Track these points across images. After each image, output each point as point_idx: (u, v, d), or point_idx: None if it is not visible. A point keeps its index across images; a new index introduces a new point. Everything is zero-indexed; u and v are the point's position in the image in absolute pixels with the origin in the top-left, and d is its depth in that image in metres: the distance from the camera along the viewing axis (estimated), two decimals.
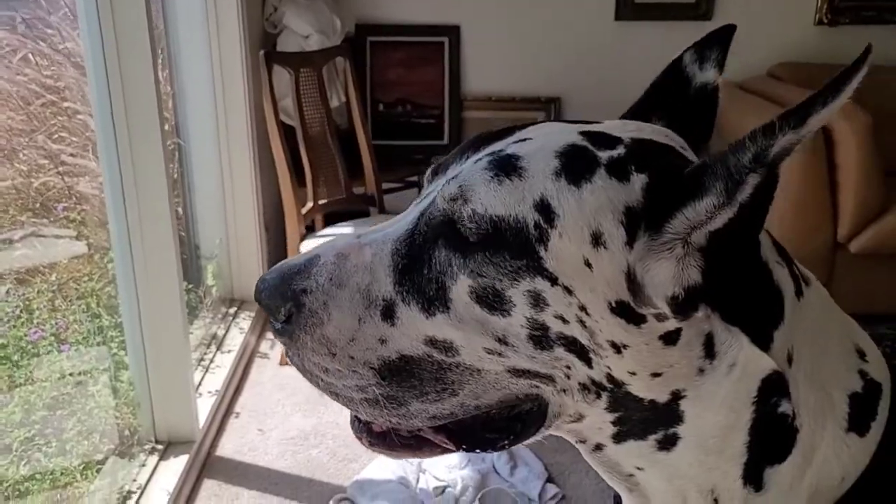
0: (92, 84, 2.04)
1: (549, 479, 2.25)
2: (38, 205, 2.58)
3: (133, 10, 1.97)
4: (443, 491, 2.19)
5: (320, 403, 2.64)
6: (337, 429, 2.52)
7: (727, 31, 0.76)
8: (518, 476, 2.25)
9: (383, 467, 2.28)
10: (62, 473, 2.01)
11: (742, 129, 0.57)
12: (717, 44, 0.76)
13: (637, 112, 0.78)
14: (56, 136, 2.70)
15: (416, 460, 2.30)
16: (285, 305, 0.66)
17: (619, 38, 3.72)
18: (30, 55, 2.74)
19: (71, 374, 2.25)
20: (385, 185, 3.22)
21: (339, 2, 3.56)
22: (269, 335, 3.14)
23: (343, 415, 2.57)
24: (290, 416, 2.61)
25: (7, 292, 2.27)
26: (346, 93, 3.21)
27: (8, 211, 2.51)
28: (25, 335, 2.15)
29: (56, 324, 2.28)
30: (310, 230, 2.94)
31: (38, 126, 2.68)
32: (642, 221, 0.61)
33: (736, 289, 0.62)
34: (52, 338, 2.22)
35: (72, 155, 2.67)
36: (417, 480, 2.25)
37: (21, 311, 2.24)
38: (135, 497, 2.09)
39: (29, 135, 2.66)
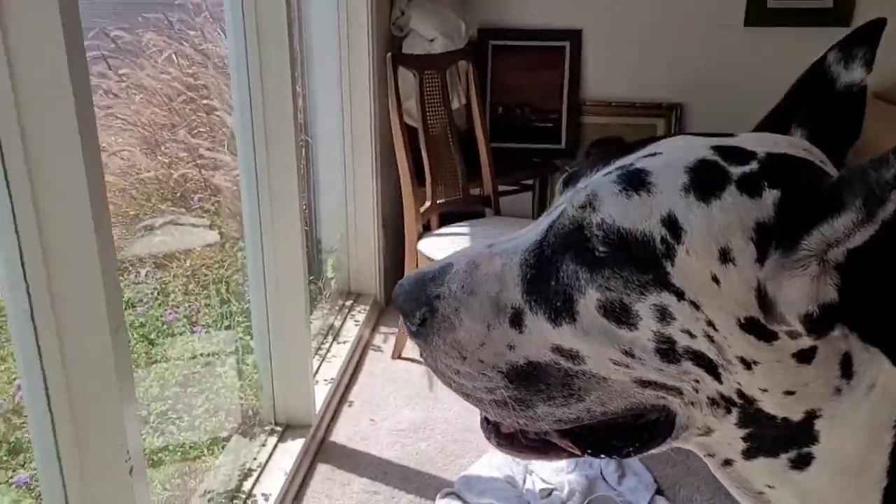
0: (234, 85, 2.16)
1: (659, 492, 2.22)
2: (177, 195, 2.76)
3: (275, 16, 2.09)
4: (549, 494, 2.19)
5: (430, 398, 2.71)
6: (445, 424, 2.57)
7: (876, 26, 0.72)
8: (626, 485, 2.23)
9: (490, 465, 2.30)
10: (191, 447, 2.14)
11: (879, 140, 0.55)
12: (865, 41, 0.72)
13: (775, 118, 0.76)
14: (195, 131, 2.88)
15: (523, 461, 2.32)
16: (420, 310, 0.70)
17: (749, 45, 3.60)
18: (173, 55, 2.94)
19: (201, 355, 2.39)
20: (501, 188, 3.25)
21: (464, 6, 3.62)
22: (383, 328, 3.24)
23: (451, 411, 2.62)
24: (401, 408, 2.68)
25: (146, 275, 2.45)
26: (468, 95, 3.25)
27: (150, 200, 2.70)
28: (161, 316, 2.31)
29: (189, 307, 2.44)
30: (426, 229, 3.01)
31: (179, 121, 2.87)
32: (774, 238, 0.59)
33: (876, 308, 0.60)
34: (185, 319, 2.37)
35: (208, 149, 2.83)
36: (524, 481, 2.27)
37: (158, 294, 2.41)
38: (255, 475, 2.20)
39: (171, 129, 2.85)
